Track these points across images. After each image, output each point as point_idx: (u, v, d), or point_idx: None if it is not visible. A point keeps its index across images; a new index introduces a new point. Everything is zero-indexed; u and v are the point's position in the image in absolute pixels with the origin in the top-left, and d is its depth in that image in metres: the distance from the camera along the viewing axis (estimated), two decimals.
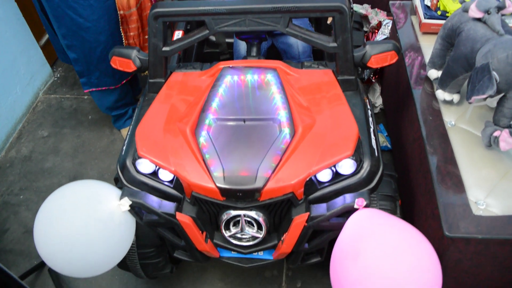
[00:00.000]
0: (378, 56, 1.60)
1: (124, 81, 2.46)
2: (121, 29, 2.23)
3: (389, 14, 2.79)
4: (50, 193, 2.40)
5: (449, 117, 1.74)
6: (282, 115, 1.45)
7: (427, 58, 2.01)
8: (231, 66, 1.67)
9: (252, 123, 1.44)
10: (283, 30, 1.57)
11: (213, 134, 1.43)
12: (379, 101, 2.62)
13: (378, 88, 2.61)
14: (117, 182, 1.65)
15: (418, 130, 1.78)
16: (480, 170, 1.56)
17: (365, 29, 2.80)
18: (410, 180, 1.91)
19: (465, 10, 1.64)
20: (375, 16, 2.77)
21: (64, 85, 3.17)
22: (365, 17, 2.79)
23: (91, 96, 2.56)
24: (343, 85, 1.63)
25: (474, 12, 1.56)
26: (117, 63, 1.71)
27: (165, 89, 1.66)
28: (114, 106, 2.57)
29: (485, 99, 1.50)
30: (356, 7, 2.80)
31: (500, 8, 1.54)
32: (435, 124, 1.71)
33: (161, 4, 1.59)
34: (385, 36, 2.54)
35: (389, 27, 2.57)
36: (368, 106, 1.64)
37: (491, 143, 1.56)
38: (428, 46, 2.07)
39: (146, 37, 2.34)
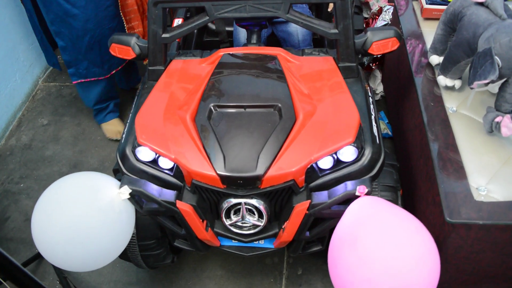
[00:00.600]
0: (379, 42, 1.59)
1: (114, 71, 2.43)
2: (121, 14, 2.22)
3: (390, 0, 2.77)
4: (51, 181, 2.38)
5: (451, 103, 1.73)
6: (283, 102, 1.44)
7: (428, 44, 1.99)
8: (231, 53, 1.66)
9: (252, 110, 1.43)
10: (284, 16, 1.55)
11: (213, 121, 1.42)
12: (380, 88, 2.60)
13: (379, 75, 2.60)
14: (116, 173, 1.64)
15: (419, 117, 1.77)
16: (482, 156, 1.55)
17: (365, 15, 2.78)
18: (411, 167, 1.91)
19: None
20: (376, 2, 2.74)
21: (63, 73, 3.14)
22: (366, 3, 2.77)
23: (77, 88, 2.53)
24: (344, 72, 1.62)
25: None
26: (116, 50, 1.69)
27: (164, 77, 1.65)
28: (98, 99, 2.53)
29: (487, 84, 1.48)
30: None
31: None
32: (437, 110, 1.70)
33: None
34: (385, 22, 2.52)
35: (390, 13, 2.55)
36: (369, 93, 1.63)
37: (493, 129, 1.55)
38: (430, 32, 2.05)
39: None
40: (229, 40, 2.34)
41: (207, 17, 1.58)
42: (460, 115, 1.68)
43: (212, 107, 1.45)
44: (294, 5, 1.59)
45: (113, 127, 2.64)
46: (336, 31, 1.57)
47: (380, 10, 2.64)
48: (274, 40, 2.26)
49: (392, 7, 2.55)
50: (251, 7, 1.55)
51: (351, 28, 1.55)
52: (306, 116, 1.42)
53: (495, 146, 1.57)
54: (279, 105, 1.43)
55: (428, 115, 1.70)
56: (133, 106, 1.68)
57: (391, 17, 2.54)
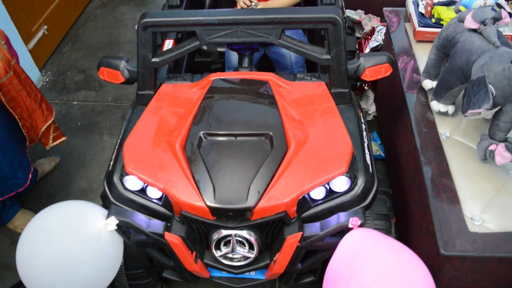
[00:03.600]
0: (372, 68, 1.57)
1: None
2: (5, 105, 1.90)
3: (382, 20, 2.76)
4: (38, 203, 2.39)
5: (444, 128, 1.71)
6: (275, 130, 1.41)
7: (421, 66, 1.98)
8: (222, 78, 1.63)
9: (243, 139, 1.40)
10: (276, 41, 1.53)
11: (203, 150, 1.39)
12: (372, 108, 2.59)
13: (371, 95, 2.58)
14: (104, 200, 1.60)
15: (412, 142, 1.75)
16: (476, 183, 1.53)
17: (358, 35, 2.77)
18: (404, 192, 1.88)
19: (461, 20, 1.61)
20: (369, 22, 2.74)
21: (53, 90, 3.11)
22: (358, 23, 2.76)
23: None
24: (337, 98, 1.59)
25: (470, 23, 1.53)
26: (105, 74, 1.66)
27: (154, 101, 1.62)
28: None
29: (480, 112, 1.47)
30: (350, 13, 2.77)
31: (496, 19, 1.51)
32: (430, 136, 1.68)
33: (151, 14, 1.55)
34: (378, 43, 2.51)
35: (383, 34, 2.54)
36: (362, 120, 1.61)
37: (487, 157, 1.53)
38: (422, 54, 2.04)
39: (39, 104, 2.08)
40: (221, 61, 2.32)
41: (198, 42, 1.56)
42: (454, 141, 1.67)
43: (202, 135, 1.41)
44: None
45: (21, 221, 2.26)
46: (328, 57, 1.55)
47: (373, 30, 2.63)
48: (266, 62, 2.24)
49: (385, 28, 2.54)
50: (242, 32, 1.52)
51: (344, 54, 1.53)
52: (298, 144, 1.39)
53: (489, 173, 1.55)
54: (271, 133, 1.40)
55: (421, 141, 1.68)
56: (122, 131, 1.64)
57: (383, 37, 2.53)
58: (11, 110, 1.92)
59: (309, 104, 1.56)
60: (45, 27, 3.30)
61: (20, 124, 1.98)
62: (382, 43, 2.51)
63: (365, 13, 2.82)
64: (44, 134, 2.13)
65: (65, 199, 2.39)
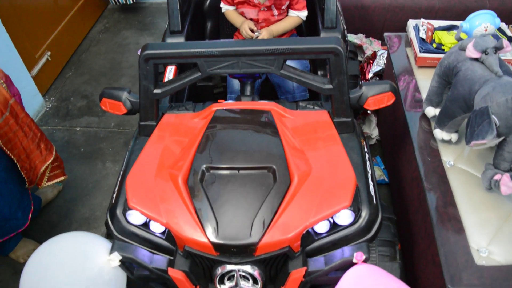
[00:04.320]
0: (375, 97, 1.56)
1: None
2: (2, 147, 1.87)
3: (383, 43, 2.77)
4: (40, 231, 2.37)
5: (448, 156, 1.70)
6: (277, 163, 1.40)
7: (423, 92, 1.98)
8: (224, 108, 1.63)
9: (246, 172, 1.39)
10: (277, 72, 1.53)
11: (206, 184, 1.38)
12: (375, 133, 2.58)
13: (374, 119, 2.57)
14: (107, 227, 1.59)
15: (416, 170, 1.74)
16: (481, 213, 1.52)
17: (359, 58, 2.78)
18: (409, 219, 1.87)
19: (462, 49, 1.61)
20: (370, 45, 2.75)
21: (56, 116, 3.12)
22: (359, 47, 2.77)
23: None
24: (339, 127, 1.59)
25: (472, 52, 1.53)
26: (107, 105, 1.66)
27: (156, 133, 1.62)
28: None
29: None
30: (351, 37, 2.78)
31: (497, 48, 1.51)
32: (434, 165, 1.67)
33: (152, 45, 1.55)
34: (380, 68, 2.51)
35: (384, 58, 2.54)
36: (365, 149, 1.60)
37: (492, 186, 1.52)
38: (424, 79, 2.05)
39: (37, 144, 2.05)
40: (223, 85, 2.32)
41: (200, 73, 1.56)
42: (458, 169, 1.66)
43: (204, 169, 1.41)
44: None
45: (24, 250, 2.23)
46: (330, 86, 1.55)
47: (374, 54, 2.64)
48: (268, 86, 2.24)
49: (386, 52, 2.55)
50: (244, 63, 1.53)
51: (346, 83, 1.53)
52: (301, 177, 1.38)
53: (495, 202, 1.54)
54: (274, 166, 1.39)
55: (425, 169, 1.67)
56: (124, 162, 1.64)
57: (385, 61, 2.54)
58: (8, 152, 1.90)
59: (311, 134, 1.56)
60: (49, 53, 3.32)
61: (18, 166, 1.96)
62: (384, 67, 2.51)
63: (366, 37, 2.82)
64: (41, 175, 2.12)
65: (67, 228, 2.40)
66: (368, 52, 2.67)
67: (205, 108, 1.66)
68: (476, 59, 1.54)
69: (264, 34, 2.08)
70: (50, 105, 3.21)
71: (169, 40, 2.13)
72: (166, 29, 2.18)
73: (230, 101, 1.71)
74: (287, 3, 2.12)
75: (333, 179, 1.39)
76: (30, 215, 2.10)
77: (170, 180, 1.42)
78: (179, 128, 1.62)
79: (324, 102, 1.71)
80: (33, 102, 3.09)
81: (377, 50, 2.62)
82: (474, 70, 1.51)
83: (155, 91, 1.59)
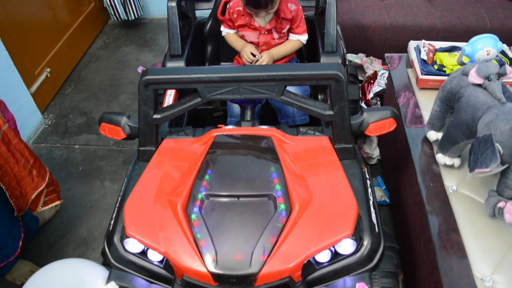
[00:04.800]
0: (376, 124, 1.55)
1: None
2: None
3: (384, 62, 2.77)
4: (37, 252, 2.34)
5: (450, 181, 1.68)
6: (278, 190, 1.38)
7: (424, 114, 1.96)
8: (224, 134, 1.61)
9: (246, 200, 1.37)
10: (278, 98, 1.52)
11: (205, 211, 1.36)
12: (376, 152, 2.56)
13: (375, 139, 2.56)
14: (104, 256, 1.57)
15: (418, 194, 1.72)
16: (485, 240, 1.49)
17: (360, 78, 2.77)
18: (411, 245, 1.84)
19: (464, 74, 1.59)
20: (370, 64, 2.74)
21: (55, 133, 3.10)
22: (360, 67, 2.76)
23: None
24: (340, 154, 1.57)
25: (474, 78, 1.52)
26: (106, 130, 1.64)
27: (156, 158, 1.60)
28: None
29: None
30: (351, 57, 2.78)
31: (500, 74, 1.50)
32: (436, 190, 1.65)
33: (152, 71, 1.54)
34: (381, 88, 2.50)
35: (385, 78, 2.54)
36: (367, 176, 1.58)
37: (495, 214, 1.50)
38: (425, 101, 2.03)
39: (29, 171, 2.02)
40: (223, 109, 2.31)
41: (200, 99, 1.54)
42: (461, 195, 1.63)
43: (204, 196, 1.39)
44: None
45: (20, 272, 2.20)
46: (331, 112, 1.53)
47: (375, 74, 2.63)
48: (269, 109, 2.23)
49: (387, 72, 2.54)
50: (244, 89, 1.51)
51: (347, 110, 1.51)
52: (302, 205, 1.36)
53: (499, 229, 1.51)
54: (274, 194, 1.37)
55: (427, 194, 1.65)
56: (122, 187, 1.61)
57: (386, 81, 2.53)
58: None
59: (312, 160, 1.54)
60: (48, 69, 3.31)
61: (7, 194, 1.92)
62: (385, 88, 2.50)
63: (367, 56, 2.82)
64: (33, 201, 2.08)
65: (65, 249, 2.38)
66: (369, 72, 2.66)
67: (205, 134, 1.64)
68: (479, 85, 1.52)
69: (264, 57, 2.07)
70: (49, 122, 3.20)
71: (169, 64, 2.12)
72: (166, 52, 2.17)
73: (230, 127, 1.70)
74: (287, 26, 2.11)
75: (334, 207, 1.37)
76: (21, 243, 2.06)
77: (169, 207, 1.40)
78: (179, 153, 1.60)
79: (324, 128, 1.69)
80: (32, 119, 3.07)
81: (378, 70, 2.62)
82: (477, 96, 1.50)
83: (155, 116, 1.58)
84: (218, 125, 1.78)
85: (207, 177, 1.44)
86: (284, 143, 1.59)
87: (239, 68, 1.55)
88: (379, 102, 2.55)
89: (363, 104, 2.53)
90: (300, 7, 2.10)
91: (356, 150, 1.62)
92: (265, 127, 1.68)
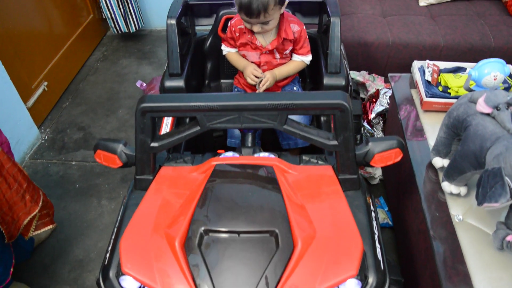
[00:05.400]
0: (382, 154, 1.50)
1: None
2: None
3: (386, 80, 2.72)
4: (32, 273, 2.29)
5: (456, 210, 1.64)
6: (280, 226, 1.33)
7: (429, 137, 1.92)
8: (224, 163, 1.56)
9: (247, 236, 1.32)
10: (280, 128, 1.47)
11: (204, 248, 1.31)
12: (378, 172, 2.52)
13: None
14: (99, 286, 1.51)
15: (423, 222, 1.67)
16: (493, 272, 1.45)
17: (362, 95, 2.73)
18: (415, 273, 1.80)
19: (472, 101, 1.55)
20: (373, 82, 2.70)
21: (51, 149, 3.05)
22: (362, 84, 2.72)
23: None
24: (344, 184, 1.52)
25: (483, 107, 1.47)
26: (101, 157, 1.59)
27: (153, 188, 1.55)
28: None
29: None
30: (353, 74, 2.74)
31: (510, 104, 1.45)
32: (442, 220, 1.61)
33: (149, 98, 1.49)
34: (383, 107, 2.45)
35: (388, 97, 2.49)
36: (372, 208, 1.53)
37: (504, 247, 1.45)
38: (430, 123, 1.99)
39: (22, 196, 1.97)
40: (223, 129, 2.26)
41: (199, 127, 1.50)
42: (467, 225, 1.59)
43: (203, 231, 1.33)
44: None
45: None
46: (335, 142, 1.48)
47: (377, 92, 2.58)
48: (270, 130, 2.18)
49: (390, 90, 2.50)
50: (245, 118, 1.46)
51: (352, 140, 1.47)
52: (305, 242, 1.31)
53: (506, 261, 1.47)
54: (276, 230, 1.32)
55: (433, 223, 1.61)
56: (118, 218, 1.56)
57: (388, 100, 2.48)
58: None
59: (315, 191, 1.49)
60: (46, 83, 3.27)
61: None
62: (387, 107, 2.46)
63: (369, 73, 2.78)
64: (25, 226, 2.03)
65: (60, 270, 2.32)
66: (371, 90, 2.62)
67: (204, 162, 1.59)
68: (487, 114, 1.48)
69: (268, 77, 2.03)
70: (46, 137, 3.15)
71: (168, 83, 2.08)
72: (165, 71, 2.13)
73: (230, 153, 1.65)
74: (290, 48, 2.06)
75: (338, 243, 1.32)
76: (12, 269, 2.00)
77: (167, 243, 1.34)
78: (177, 183, 1.55)
79: (328, 156, 1.64)
80: (28, 134, 3.03)
81: (380, 89, 2.57)
82: (485, 126, 1.45)
83: (152, 144, 1.53)
84: (218, 150, 1.73)
85: (206, 211, 1.39)
86: (286, 173, 1.55)
87: (240, 96, 1.51)
88: (381, 121, 2.50)
89: (365, 124, 2.49)
90: (304, 27, 2.05)
91: (361, 180, 1.57)
92: (266, 154, 1.63)
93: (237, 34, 2.09)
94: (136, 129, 1.51)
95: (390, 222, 2.34)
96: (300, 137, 1.50)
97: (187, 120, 2.12)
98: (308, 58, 2.10)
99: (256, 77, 2.04)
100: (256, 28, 1.92)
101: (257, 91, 2.07)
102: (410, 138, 1.95)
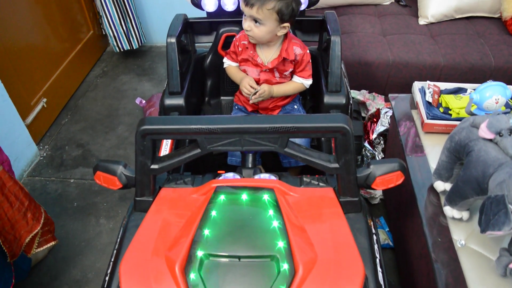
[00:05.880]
0: (383, 177, 1.49)
1: None
2: None
3: (387, 99, 2.72)
4: None
5: (459, 235, 1.62)
6: (281, 250, 1.31)
7: (430, 159, 1.91)
8: (225, 185, 1.55)
9: (247, 261, 1.30)
10: (281, 151, 1.46)
11: (204, 273, 1.29)
12: (378, 192, 2.50)
13: None
14: None
15: (425, 247, 1.66)
16: None
17: (363, 114, 2.72)
18: None
19: (474, 126, 1.54)
20: (373, 101, 2.70)
21: (49, 166, 3.04)
22: (362, 104, 2.72)
23: None
24: (346, 207, 1.51)
25: (485, 133, 1.46)
26: (101, 179, 1.58)
27: (153, 210, 1.53)
28: None
29: None
30: (354, 93, 2.73)
31: None
32: (444, 245, 1.59)
33: (149, 120, 1.48)
34: (384, 128, 2.45)
35: (389, 117, 2.49)
36: (373, 231, 1.52)
37: (507, 274, 1.44)
38: (431, 145, 1.98)
39: (23, 214, 1.98)
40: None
41: (199, 150, 1.49)
42: (470, 250, 1.57)
43: (203, 256, 1.32)
44: None
45: None
46: (336, 165, 1.47)
47: (378, 112, 2.58)
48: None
49: (390, 110, 2.50)
50: (246, 141, 1.45)
51: (353, 163, 1.46)
52: (306, 267, 1.29)
53: None
54: (277, 255, 1.30)
55: (435, 249, 1.59)
56: (118, 240, 1.55)
57: (389, 120, 2.48)
58: None
59: (316, 214, 1.48)
60: (45, 100, 3.26)
61: (0, 240, 1.86)
62: (388, 127, 2.45)
63: (369, 92, 2.78)
64: (27, 243, 2.02)
65: None
66: (372, 110, 2.62)
67: (205, 184, 1.58)
68: (490, 140, 1.47)
69: (265, 89, 2.03)
70: (44, 154, 3.14)
71: (168, 102, 2.07)
72: (165, 89, 2.12)
73: (230, 175, 1.64)
74: (290, 69, 2.06)
75: (340, 268, 1.30)
76: None
77: (167, 268, 1.33)
78: (178, 205, 1.54)
79: (329, 177, 1.63)
80: (27, 151, 3.01)
81: (381, 108, 2.57)
82: (488, 152, 1.44)
83: (152, 166, 1.52)
84: (218, 171, 1.72)
85: (206, 235, 1.37)
86: (287, 195, 1.53)
87: (241, 119, 1.50)
88: (382, 142, 2.50)
89: (366, 144, 2.48)
90: (308, 51, 2.05)
91: (362, 203, 1.56)
92: (267, 175, 1.62)
93: (240, 49, 2.10)
94: (136, 151, 1.50)
95: (390, 243, 2.32)
96: (301, 160, 1.49)
97: (187, 140, 2.11)
98: (308, 82, 2.10)
99: (252, 87, 2.04)
100: (246, 24, 1.93)
101: (250, 101, 2.08)
102: (411, 160, 1.94)
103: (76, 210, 2.71)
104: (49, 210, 2.68)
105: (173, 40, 2.09)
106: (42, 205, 2.56)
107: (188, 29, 2.33)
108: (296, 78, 2.10)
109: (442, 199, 1.73)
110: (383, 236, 2.34)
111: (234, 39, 2.15)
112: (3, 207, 1.83)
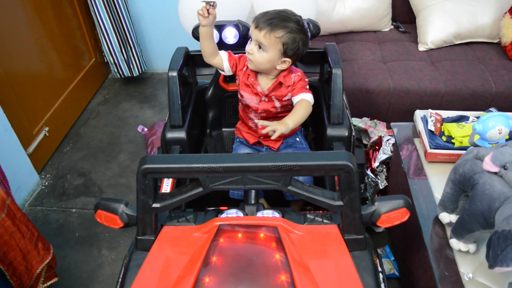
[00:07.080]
0: (388, 214, 1.47)
1: None
2: None
3: (388, 126, 2.72)
4: None
5: (466, 268, 1.60)
6: None
7: (433, 188, 1.90)
8: (227, 223, 1.53)
9: None
10: (284, 189, 1.45)
11: None
12: None
13: None
14: None
15: (432, 280, 1.63)
16: None
17: (364, 142, 2.71)
18: None
19: (478, 158, 1.53)
20: (375, 128, 2.69)
21: (51, 195, 3.02)
22: (364, 131, 2.71)
23: None
24: (350, 245, 1.49)
25: (489, 166, 1.45)
26: (102, 217, 1.56)
27: (155, 249, 1.51)
28: None
29: None
30: (355, 121, 2.73)
31: None
32: (452, 279, 1.57)
33: (151, 159, 1.47)
34: (386, 156, 2.44)
35: (391, 145, 2.48)
36: (379, 269, 1.50)
37: None
38: (434, 174, 1.97)
39: (35, 244, 1.96)
40: None
41: (201, 189, 1.47)
42: (478, 283, 1.55)
43: None
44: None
45: None
46: (341, 203, 1.46)
47: (380, 139, 2.57)
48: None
49: (392, 138, 2.49)
50: (249, 179, 1.44)
51: (358, 201, 1.44)
52: None
53: None
54: None
55: (442, 283, 1.57)
56: (119, 280, 1.52)
57: (391, 148, 2.47)
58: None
59: (320, 252, 1.46)
60: (47, 128, 3.26)
61: (7, 275, 1.83)
62: (391, 155, 2.44)
63: (371, 119, 2.77)
64: (36, 276, 2.00)
65: None
66: (374, 137, 2.61)
67: (207, 222, 1.56)
68: (495, 172, 1.46)
69: (278, 128, 1.83)
70: (46, 183, 3.12)
71: (170, 135, 2.07)
72: (167, 122, 2.12)
73: (233, 211, 1.62)
74: (288, 94, 2.01)
75: None
76: None
77: None
78: (180, 244, 1.52)
79: (333, 214, 1.62)
80: (28, 181, 3.00)
81: (382, 135, 2.56)
82: (493, 185, 1.43)
83: (154, 205, 1.50)
84: (221, 207, 1.70)
85: (209, 276, 1.36)
86: (291, 233, 1.52)
87: (243, 157, 1.49)
88: (385, 169, 2.48)
89: (369, 172, 2.46)
90: (306, 79, 2.02)
91: (367, 240, 1.54)
92: (270, 212, 1.60)
93: (244, 69, 2.05)
94: (138, 190, 1.49)
95: (396, 273, 2.29)
96: (304, 198, 1.47)
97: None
98: (308, 96, 1.97)
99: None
100: (249, 47, 1.91)
101: (259, 124, 1.96)
102: (415, 190, 1.93)
103: (77, 240, 2.68)
104: (50, 241, 2.64)
105: (175, 73, 2.09)
106: (43, 236, 2.54)
107: (189, 61, 2.33)
108: (296, 98, 1.97)
109: (448, 230, 1.71)
110: (389, 266, 2.31)
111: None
112: (15, 237, 1.82)
